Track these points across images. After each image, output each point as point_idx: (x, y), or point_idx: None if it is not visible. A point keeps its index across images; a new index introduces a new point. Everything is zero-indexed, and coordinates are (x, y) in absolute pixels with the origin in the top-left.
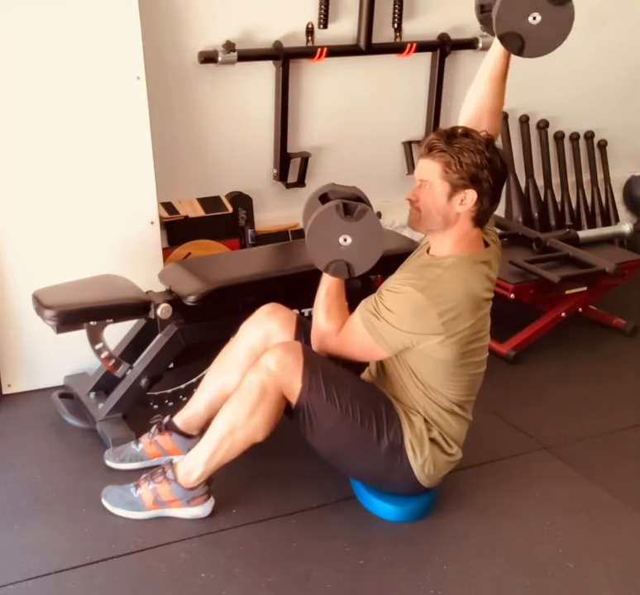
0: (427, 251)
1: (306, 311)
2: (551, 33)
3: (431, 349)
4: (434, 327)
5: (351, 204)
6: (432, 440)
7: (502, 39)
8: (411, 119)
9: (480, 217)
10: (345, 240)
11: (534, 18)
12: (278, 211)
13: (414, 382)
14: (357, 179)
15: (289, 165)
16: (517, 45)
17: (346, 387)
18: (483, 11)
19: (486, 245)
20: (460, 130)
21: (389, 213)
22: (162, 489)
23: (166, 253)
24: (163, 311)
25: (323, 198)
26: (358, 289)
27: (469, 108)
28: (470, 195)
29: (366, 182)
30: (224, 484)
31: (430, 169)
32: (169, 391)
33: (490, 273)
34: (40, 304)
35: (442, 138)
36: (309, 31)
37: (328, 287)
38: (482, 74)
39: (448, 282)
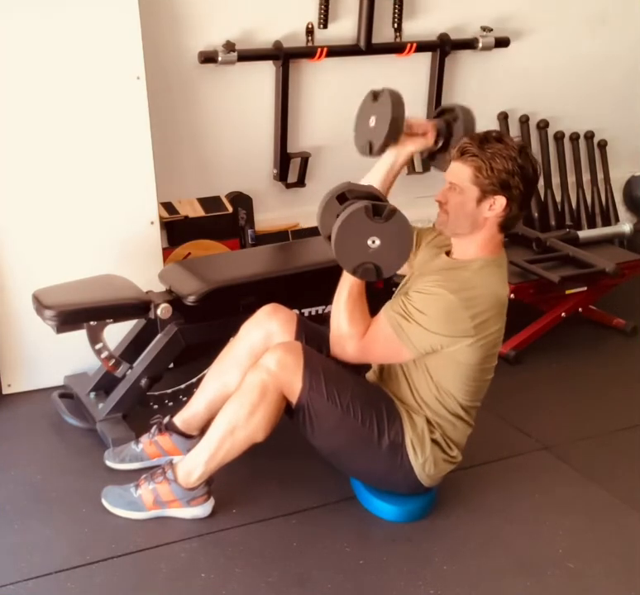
0: (446, 254)
1: (306, 312)
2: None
3: (458, 353)
4: (466, 330)
5: (379, 205)
6: (434, 441)
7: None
8: None
9: (508, 223)
10: (373, 242)
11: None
12: (278, 211)
13: (428, 384)
14: (357, 179)
15: (289, 165)
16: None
17: (347, 387)
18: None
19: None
20: (493, 135)
21: None
22: (162, 489)
23: (166, 253)
24: (163, 311)
25: (341, 198)
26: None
27: None
28: (500, 201)
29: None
30: (224, 484)
31: (461, 173)
32: (169, 391)
33: (506, 275)
34: (40, 304)
35: (475, 142)
36: (309, 31)
37: (350, 290)
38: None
39: (479, 286)
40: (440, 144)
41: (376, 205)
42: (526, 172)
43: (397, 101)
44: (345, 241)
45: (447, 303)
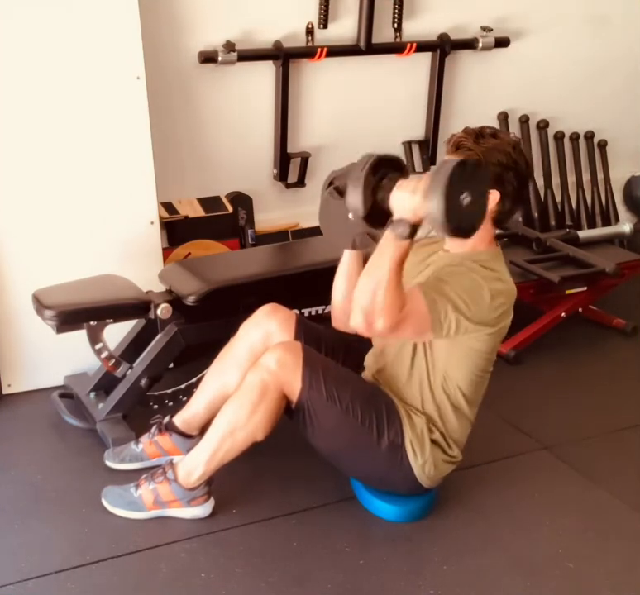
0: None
1: (306, 312)
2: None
3: (475, 339)
4: (491, 319)
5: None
6: (433, 441)
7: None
8: (411, 119)
9: (501, 218)
10: (465, 197)
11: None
12: (278, 211)
13: (434, 374)
14: None
15: (289, 165)
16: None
17: (347, 387)
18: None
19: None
20: (488, 131)
21: None
22: (162, 489)
23: (166, 253)
24: (163, 311)
25: (375, 169)
26: None
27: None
28: (493, 196)
29: None
30: (224, 484)
31: None
32: (169, 391)
33: None
34: (40, 304)
35: (471, 136)
36: (309, 31)
37: (399, 259)
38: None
39: (502, 275)
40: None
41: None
42: (520, 167)
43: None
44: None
45: (481, 291)
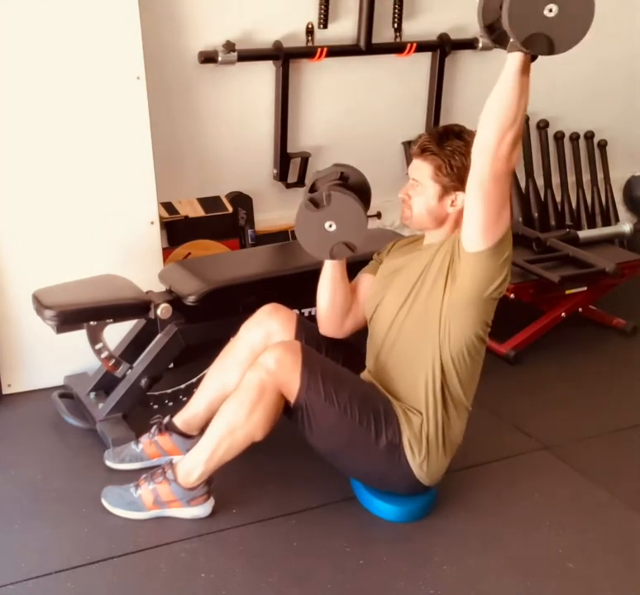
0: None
1: (306, 311)
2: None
3: (486, 302)
4: (502, 264)
5: (315, 196)
6: (431, 439)
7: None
8: (411, 119)
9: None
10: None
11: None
12: (278, 211)
13: (434, 358)
14: None
15: (289, 165)
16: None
17: (345, 387)
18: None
19: None
20: (454, 130)
21: (388, 213)
22: (162, 489)
23: (166, 253)
24: (163, 311)
25: (312, 189)
26: None
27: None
28: (461, 197)
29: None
30: (224, 484)
31: (421, 170)
32: (169, 391)
33: None
34: (40, 304)
35: (434, 139)
36: (309, 31)
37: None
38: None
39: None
40: None
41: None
42: None
43: (350, 195)
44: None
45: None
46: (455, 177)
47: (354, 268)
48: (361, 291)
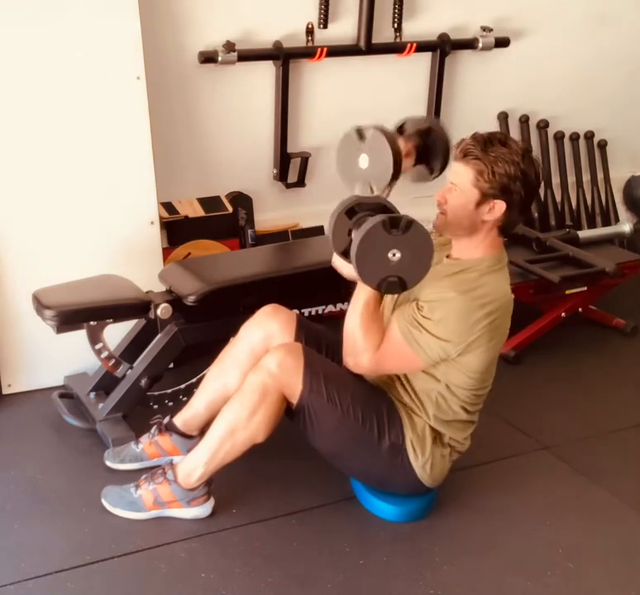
0: (447, 256)
1: (306, 312)
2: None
3: (469, 359)
4: (481, 329)
5: (396, 217)
6: (434, 441)
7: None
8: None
9: (507, 227)
10: (394, 255)
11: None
12: (278, 211)
13: (436, 387)
14: None
15: (289, 165)
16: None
17: (347, 389)
18: (347, 255)
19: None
20: (498, 137)
21: None
22: (162, 490)
23: (166, 253)
24: (163, 311)
25: (350, 212)
26: None
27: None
28: (499, 205)
29: None
30: (224, 484)
31: (462, 174)
32: (169, 391)
33: (508, 273)
34: (40, 304)
35: (479, 144)
36: (309, 31)
37: (366, 302)
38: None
39: (488, 284)
40: (413, 163)
41: (393, 217)
42: (528, 177)
43: (392, 138)
44: (366, 257)
45: (460, 305)
46: (496, 183)
47: None
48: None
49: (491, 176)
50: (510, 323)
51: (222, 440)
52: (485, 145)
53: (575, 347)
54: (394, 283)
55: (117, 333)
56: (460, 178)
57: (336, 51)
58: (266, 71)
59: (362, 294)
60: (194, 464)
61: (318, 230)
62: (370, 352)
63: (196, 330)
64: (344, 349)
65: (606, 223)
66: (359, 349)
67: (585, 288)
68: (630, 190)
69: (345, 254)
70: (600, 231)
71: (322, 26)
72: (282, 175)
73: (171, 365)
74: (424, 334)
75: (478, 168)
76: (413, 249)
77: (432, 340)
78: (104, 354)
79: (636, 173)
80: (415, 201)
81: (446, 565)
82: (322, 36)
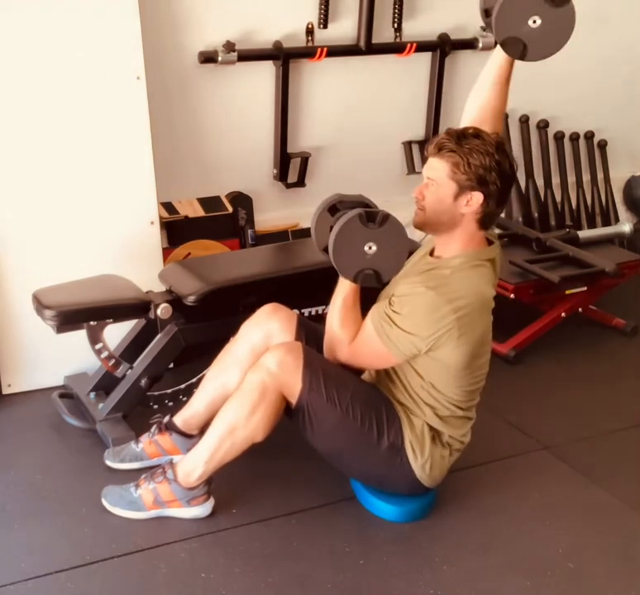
0: (430, 254)
1: (306, 312)
2: (553, 35)
3: (445, 356)
4: (448, 326)
5: (372, 211)
6: (434, 441)
7: (503, 45)
8: (411, 119)
9: (486, 220)
10: (370, 248)
11: (534, 21)
12: (278, 211)
13: (422, 384)
14: (357, 179)
15: (289, 165)
16: (518, 49)
17: (347, 388)
18: (487, 15)
19: (490, 243)
20: (470, 131)
21: None
22: (162, 489)
23: (166, 253)
24: (163, 311)
25: (332, 210)
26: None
27: (471, 110)
28: (476, 197)
29: (366, 182)
30: (224, 484)
31: (438, 168)
32: (169, 391)
33: (494, 271)
34: (40, 304)
35: (453, 138)
36: (309, 31)
37: (345, 296)
38: (485, 78)
39: (459, 280)
40: None
41: (369, 212)
42: (503, 168)
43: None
44: (342, 250)
45: (427, 299)
46: (472, 175)
47: None
48: None
49: (467, 167)
50: (488, 323)
51: (222, 439)
52: (459, 138)
53: (575, 347)
54: (370, 276)
55: (117, 333)
56: (436, 172)
57: (336, 51)
58: (266, 71)
59: (341, 288)
60: (194, 464)
61: None
62: (345, 343)
63: (196, 330)
64: (324, 340)
65: (606, 223)
66: (336, 340)
67: (585, 288)
68: (630, 190)
69: (326, 251)
70: (600, 231)
71: (322, 26)
72: (282, 175)
73: (171, 365)
74: (394, 328)
75: (453, 160)
76: (388, 242)
77: (402, 334)
78: (104, 354)
79: (636, 173)
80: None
81: (446, 565)
82: (322, 36)
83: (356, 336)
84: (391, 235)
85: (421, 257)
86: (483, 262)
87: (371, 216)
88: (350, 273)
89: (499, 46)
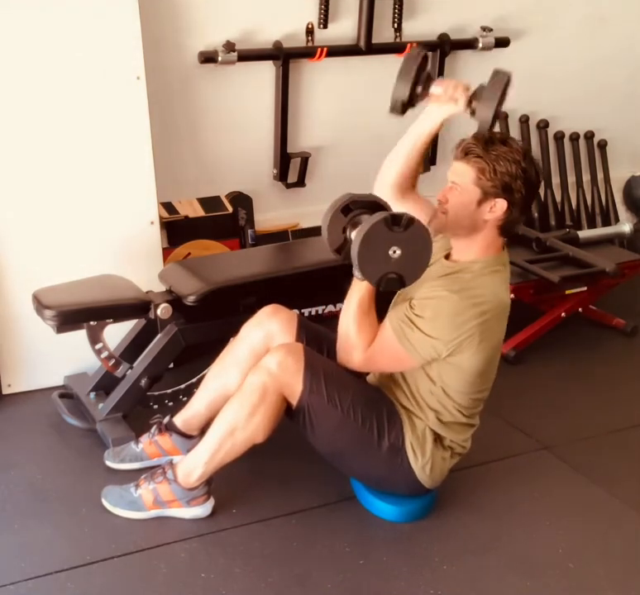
0: (446, 257)
1: (306, 312)
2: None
3: (462, 360)
4: (471, 329)
5: (397, 215)
6: (435, 442)
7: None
8: (411, 119)
9: (507, 227)
10: (394, 252)
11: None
12: (278, 211)
13: (431, 389)
14: (357, 179)
15: (289, 165)
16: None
17: (347, 389)
18: (340, 252)
19: (502, 247)
20: (498, 137)
21: None
22: (162, 489)
23: (166, 253)
24: (163, 311)
25: (345, 210)
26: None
27: (390, 175)
28: (500, 204)
29: (366, 182)
30: (224, 484)
31: (463, 173)
32: (169, 391)
33: (508, 276)
34: (40, 304)
35: (480, 143)
36: (309, 31)
37: (361, 300)
38: (406, 146)
39: (481, 286)
40: (471, 106)
41: (395, 215)
42: (529, 176)
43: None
44: (367, 254)
45: (451, 303)
46: (498, 182)
47: None
48: None
49: (493, 174)
50: (505, 329)
51: (222, 439)
52: (487, 144)
53: (575, 347)
54: (394, 280)
55: (117, 333)
56: (461, 177)
57: (336, 51)
58: (266, 71)
59: (357, 291)
60: (194, 464)
61: (318, 231)
62: (361, 348)
63: (196, 330)
64: (337, 345)
65: (606, 223)
66: (351, 345)
67: (585, 288)
68: (630, 190)
69: (338, 252)
70: (600, 231)
71: (322, 26)
72: (282, 175)
73: (171, 365)
74: (415, 331)
75: (479, 166)
76: (412, 246)
77: (423, 337)
78: (104, 354)
79: (636, 173)
80: None
81: (445, 565)
82: (322, 36)
83: (374, 341)
84: (416, 239)
85: (436, 260)
86: (501, 267)
87: (396, 220)
88: (374, 277)
89: (424, 117)
